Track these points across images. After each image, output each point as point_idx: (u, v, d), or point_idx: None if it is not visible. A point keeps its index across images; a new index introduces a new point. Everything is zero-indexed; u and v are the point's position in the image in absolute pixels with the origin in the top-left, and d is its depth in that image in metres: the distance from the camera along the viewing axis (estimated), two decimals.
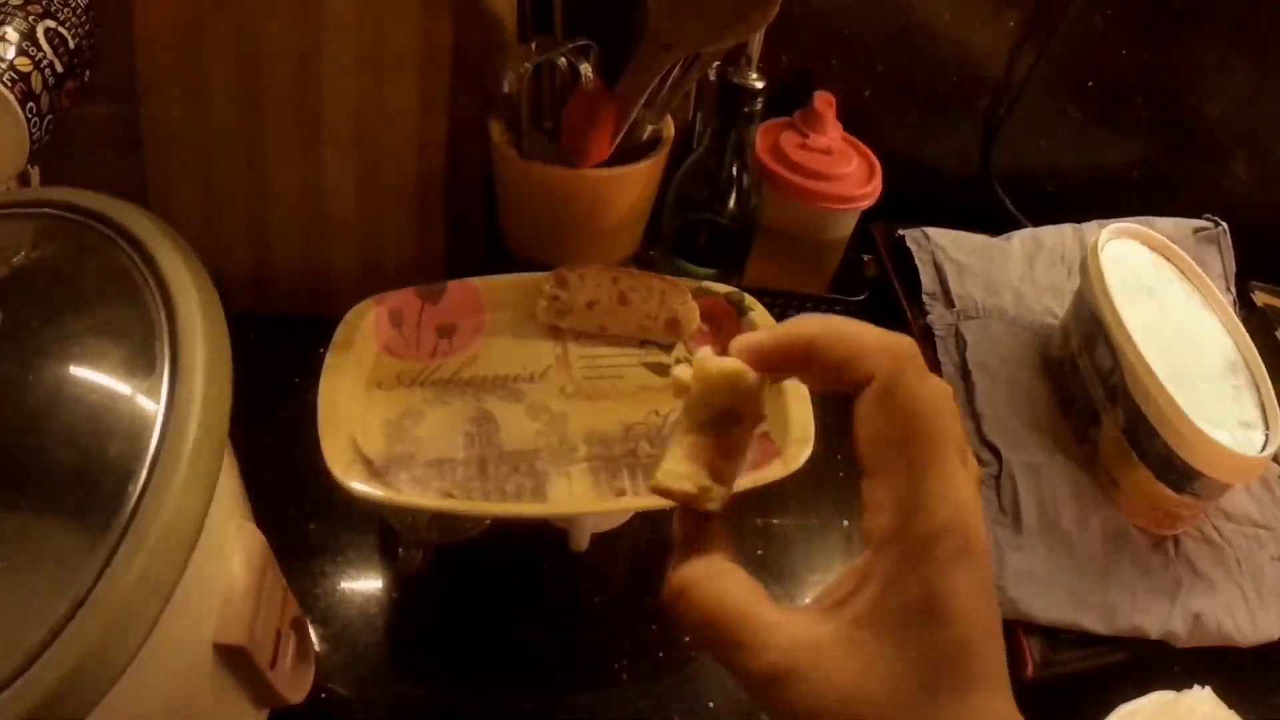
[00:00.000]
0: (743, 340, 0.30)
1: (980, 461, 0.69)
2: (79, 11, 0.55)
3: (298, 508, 0.61)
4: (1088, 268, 0.71)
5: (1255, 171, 0.94)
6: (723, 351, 0.29)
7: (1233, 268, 0.87)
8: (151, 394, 0.35)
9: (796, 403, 0.55)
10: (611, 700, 0.56)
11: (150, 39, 0.63)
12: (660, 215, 0.70)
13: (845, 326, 0.29)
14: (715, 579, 0.29)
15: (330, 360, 0.53)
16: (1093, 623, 0.61)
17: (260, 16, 0.62)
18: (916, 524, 0.26)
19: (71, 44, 0.54)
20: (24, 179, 0.54)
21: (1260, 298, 0.91)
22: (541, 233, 0.68)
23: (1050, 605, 0.61)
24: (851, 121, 0.78)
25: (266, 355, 0.69)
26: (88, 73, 0.56)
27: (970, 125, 0.88)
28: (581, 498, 0.51)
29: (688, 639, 0.51)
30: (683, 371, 0.30)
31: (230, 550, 0.42)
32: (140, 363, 0.36)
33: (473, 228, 0.72)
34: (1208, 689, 0.60)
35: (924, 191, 0.87)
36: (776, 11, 0.52)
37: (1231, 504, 0.71)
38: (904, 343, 0.28)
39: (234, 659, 0.41)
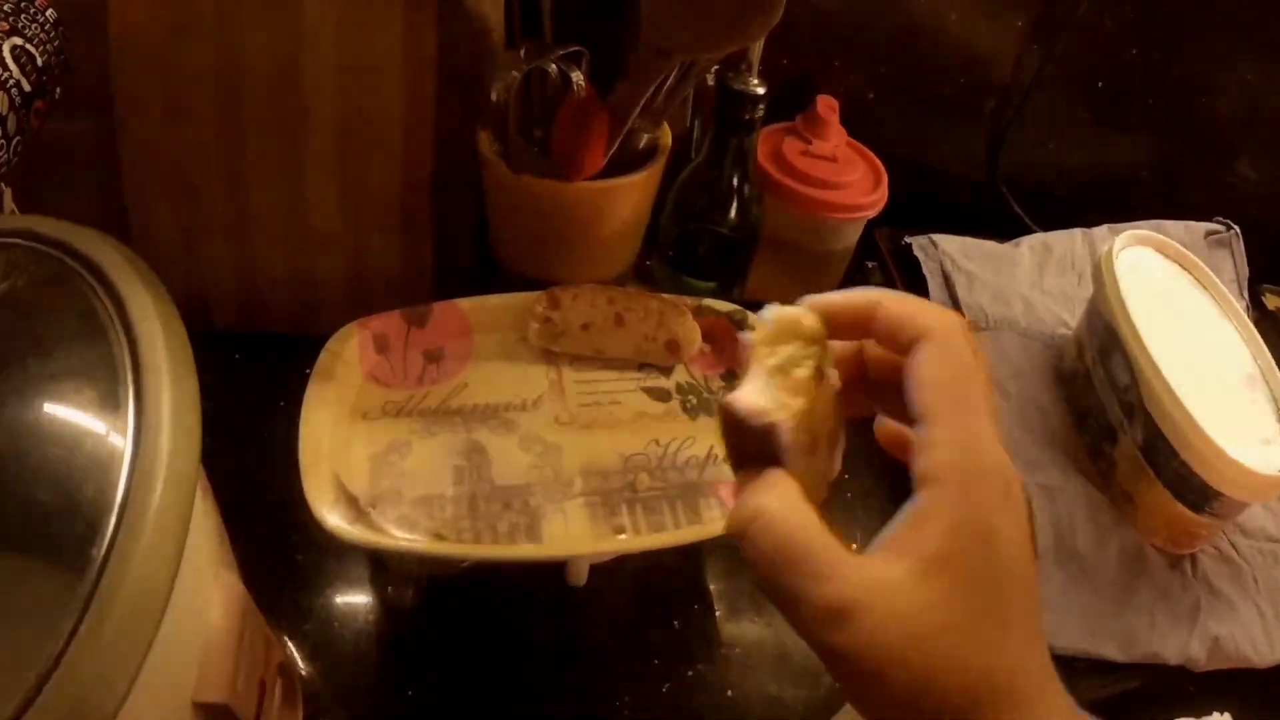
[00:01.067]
0: (813, 298, 0.31)
1: None
2: (47, 28, 0.53)
3: (283, 538, 0.59)
4: (1101, 277, 0.69)
5: (1265, 172, 0.92)
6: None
7: (1245, 272, 0.85)
8: (115, 443, 0.32)
9: None
10: None
11: (125, 51, 0.60)
12: (658, 226, 0.68)
13: (906, 296, 0.31)
14: (792, 510, 0.29)
15: (312, 391, 0.50)
16: (1111, 651, 0.60)
17: (239, 26, 0.60)
18: (972, 458, 0.28)
19: (40, 61, 0.51)
20: None
21: (1272, 301, 0.91)
22: (534, 247, 0.65)
23: (1067, 634, 0.60)
24: (854, 125, 0.76)
25: (250, 375, 0.67)
26: (58, 90, 0.53)
27: (976, 128, 0.86)
28: (578, 537, 0.48)
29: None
30: (758, 317, 0.31)
31: (208, 602, 0.39)
32: (105, 409, 0.34)
33: (462, 242, 0.70)
34: (1227, 716, 0.59)
35: (929, 196, 0.85)
36: (779, 17, 0.49)
37: (1248, 519, 0.70)
38: (957, 315, 0.30)
39: (217, 716, 0.39)
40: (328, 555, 0.59)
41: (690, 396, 0.57)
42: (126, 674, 0.29)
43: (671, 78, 0.58)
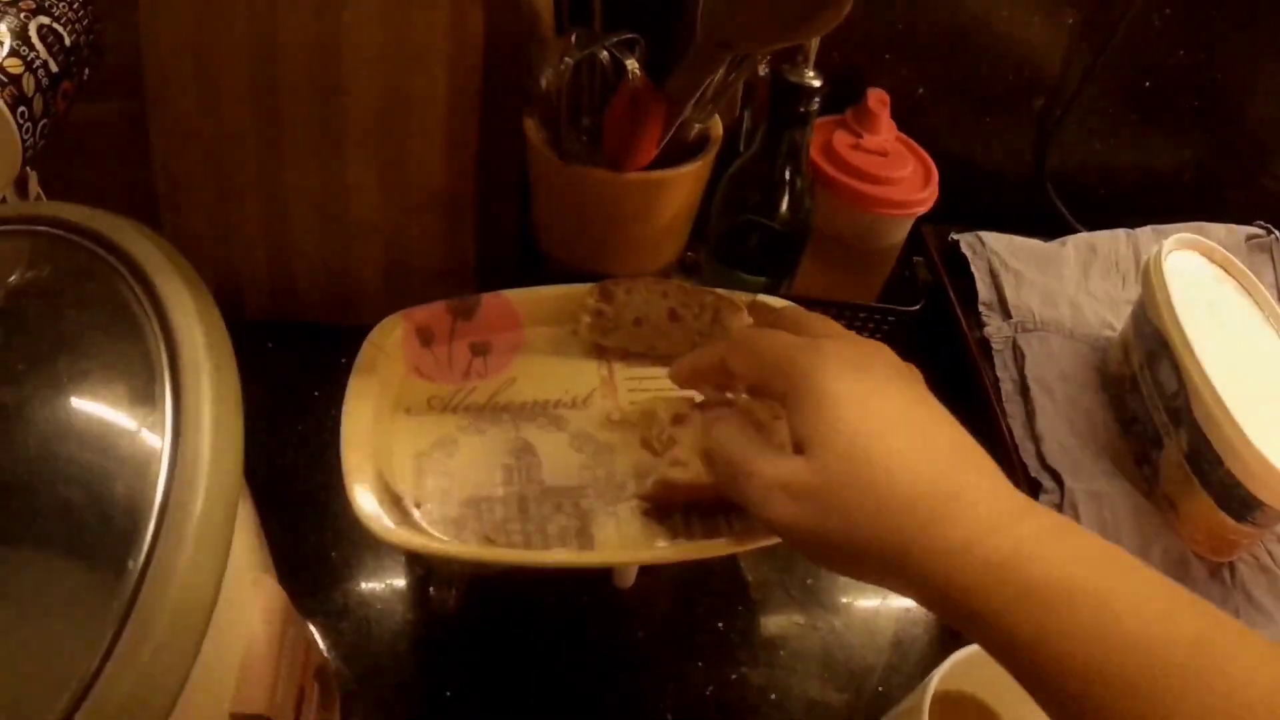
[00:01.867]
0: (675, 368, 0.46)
1: (1042, 488, 0.65)
2: (76, 7, 0.50)
3: (318, 534, 0.58)
4: (1150, 281, 0.67)
5: None
6: None
7: None
8: (152, 445, 0.30)
9: None
10: None
11: (156, 30, 0.58)
12: (706, 219, 0.66)
13: (741, 345, 0.42)
14: (737, 429, 0.41)
15: (353, 386, 0.48)
16: None
17: (276, 6, 0.58)
18: (801, 369, 0.38)
19: (68, 41, 0.49)
20: (21, 185, 0.50)
21: None
22: (580, 238, 0.63)
23: None
24: (903, 120, 0.74)
25: (286, 367, 0.66)
26: (87, 71, 0.51)
27: (1024, 126, 0.85)
28: (631, 541, 0.46)
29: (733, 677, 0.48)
30: None
31: (247, 609, 0.38)
32: (141, 409, 0.31)
33: (505, 231, 0.68)
34: None
35: (975, 193, 0.83)
36: (847, 11, 0.48)
37: None
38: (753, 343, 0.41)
39: None
40: (364, 550, 0.58)
41: (744, 395, 0.55)
42: (168, 694, 0.27)
43: (728, 68, 0.56)
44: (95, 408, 0.33)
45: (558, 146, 0.59)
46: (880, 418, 0.36)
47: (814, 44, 0.59)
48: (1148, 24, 0.79)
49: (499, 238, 0.67)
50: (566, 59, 0.55)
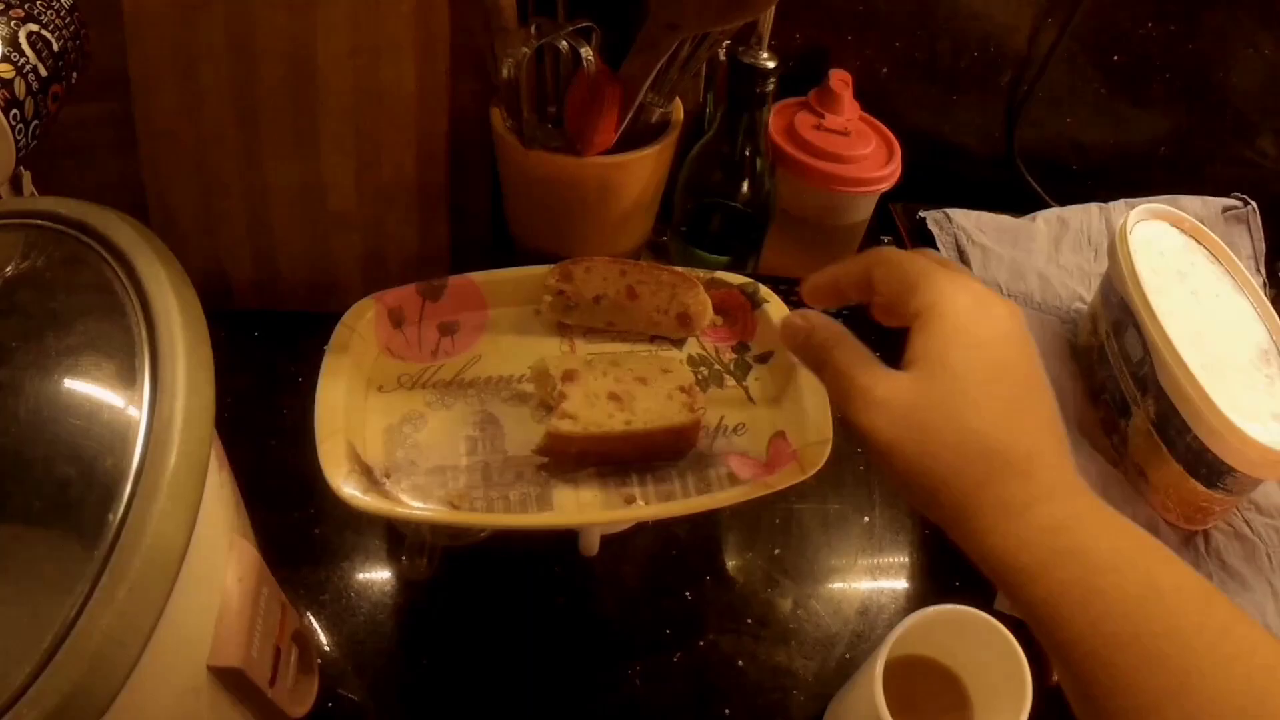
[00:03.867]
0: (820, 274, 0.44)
1: None
2: (63, 14, 0.53)
3: (301, 512, 0.60)
4: (1116, 252, 0.68)
5: None
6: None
7: (1263, 248, 0.85)
8: (131, 413, 0.33)
9: (814, 403, 0.53)
10: (624, 705, 0.55)
11: (139, 34, 0.61)
12: (671, 201, 0.68)
13: (891, 257, 0.42)
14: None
15: (328, 363, 0.51)
16: None
17: (251, 7, 0.60)
18: (949, 294, 0.39)
19: (56, 47, 0.52)
20: (15, 183, 0.53)
21: None
22: (548, 222, 0.65)
23: None
24: (869, 100, 0.76)
25: (268, 353, 0.68)
26: (75, 75, 0.54)
27: (993, 102, 0.86)
28: (588, 506, 0.49)
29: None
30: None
31: (222, 569, 0.40)
32: (122, 380, 0.35)
33: (477, 219, 0.70)
34: None
35: (946, 171, 0.85)
36: None
37: (1263, 496, 0.69)
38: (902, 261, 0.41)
39: (231, 680, 0.40)
40: (345, 529, 0.60)
41: (702, 368, 0.57)
42: (140, 633, 0.30)
43: (684, 52, 0.58)
44: (82, 379, 0.36)
45: (522, 134, 0.61)
46: (989, 366, 0.38)
47: (767, 26, 0.61)
48: None
49: (472, 224, 0.70)
50: (525, 49, 0.58)
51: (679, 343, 0.59)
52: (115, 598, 0.29)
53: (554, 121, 0.62)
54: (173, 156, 0.65)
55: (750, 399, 0.56)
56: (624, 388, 0.51)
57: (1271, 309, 0.69)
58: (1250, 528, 0.67)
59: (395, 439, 0.51)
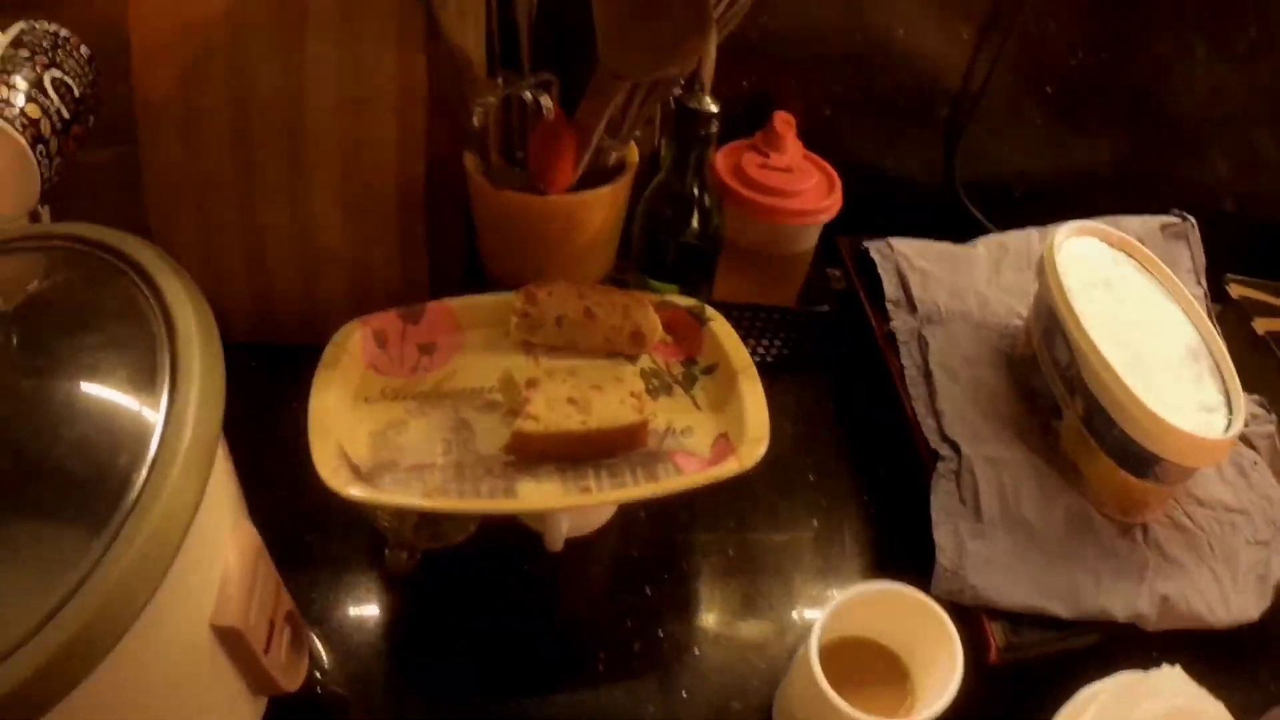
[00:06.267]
0: None
1: (940, 458, 0.70)
2: (82, 63, 0.60)
3: (295, 521, 0.65)
4: (1044, 264, 0.71)
5: (1227, 163, 0.94)
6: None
7: (1203, 261, 0.86)
8: (153, 404, 0.39)
9: (753, 409, 0.59)
10: (590, 691, 0.60)
11: (148, 86, 0.67)
12: (630, 236, 0.74)
13: None
14: None
15: (319, 376, 0.57)
16: (1056, 607, 0.62)
17: (249, 65, 0.67)
18: None
19: (77, 92, 0.58)
20: (35, 217, 0.58)
21: (1236, 290, 0.91)
22: (517, 256, 0.72)
23: (1013, 591, 0.63)
24: (814, 137, 0.80)
25: (265, 381, 0.73)
26: (92, 119, 0.61)
27: (932, 135, 0.90)
28: (550, 495, 0.54)
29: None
30: None
31: (226, 543, 0.46)
32: (144, 376, 0.40)
33: (453, 253, 0.77)
34: (1177, 668, 0.59)
35: (891, 202, 0.88)
36: (712, 41, 0.56)
37: (1204, 490, 0.72)
38: None
39: (230, 640, 0.45)
40: (334, 536, 0.65)
41: (654, 380, 0.63)
42: (151, 580, 0.36)
43: (637, 100, 0.65)
44: (111, 374, 0.42)
45: (491, 175, 0.68)
46: None
47: (709, 73, 0.67)
48: (1042, 31, 0.83)
49: (449, 258, 0.76)
50: (493, 98, 0.64)
51: (633, 359, 0.65)
52: (131, 550, 0.35)
53: (520, 164, 0.68)
54: (175, 200, 0.71)
55: (697, 406, 0.62)
56: (581, 393, 0.57)
57: (1202, 311, 0.71)
58: (1192, 520, 0.69)
59: (379, 442, 0.57)
